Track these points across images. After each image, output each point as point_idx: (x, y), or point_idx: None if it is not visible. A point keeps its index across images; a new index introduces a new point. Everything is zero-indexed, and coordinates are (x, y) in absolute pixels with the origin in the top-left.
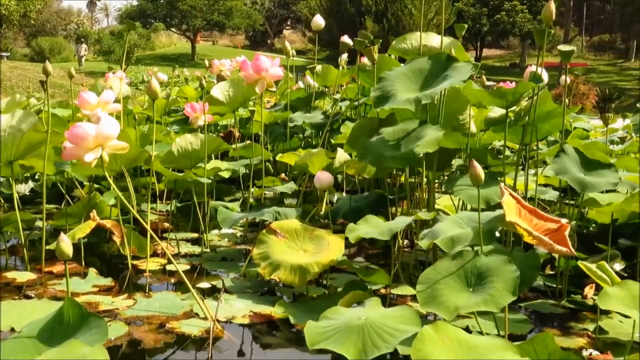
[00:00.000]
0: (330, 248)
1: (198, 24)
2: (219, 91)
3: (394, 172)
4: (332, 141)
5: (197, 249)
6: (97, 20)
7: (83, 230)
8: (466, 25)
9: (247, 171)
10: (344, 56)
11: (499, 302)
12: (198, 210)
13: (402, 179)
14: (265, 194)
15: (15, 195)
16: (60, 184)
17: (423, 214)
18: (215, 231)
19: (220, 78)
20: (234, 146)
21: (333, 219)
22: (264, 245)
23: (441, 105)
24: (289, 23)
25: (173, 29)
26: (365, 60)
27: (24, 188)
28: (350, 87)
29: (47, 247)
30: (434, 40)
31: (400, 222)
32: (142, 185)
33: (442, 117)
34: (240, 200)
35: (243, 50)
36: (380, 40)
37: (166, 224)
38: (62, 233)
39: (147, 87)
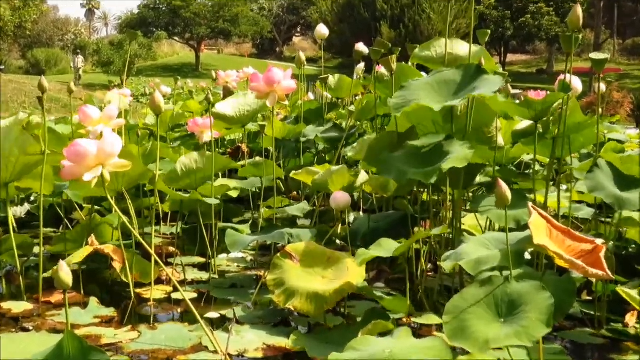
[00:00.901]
0: (349, 273)
1: (202, 32)
2: (227, 106)
3: (415, 190)
4: (347, 156)
5: (204, 275)
6: (95, 29)
7: (79, 255)
8: (489, 31)
9: (257, 190)
10: (361, 66)
11: (532, 334)
12: (205, 233)
13: (425, 196)
14: (276, 214)
15: (11, 219)
16: (58, 206)
17: (436, 230)
18: (224, 255)
19: (227, 91)
20: (242, 163)
21: (352, 241)
22: (278, 270)
23: (469, 117)
24: (298, 30)
25: (176, 38)
26: (382, 69)
27: (20, 210)
28: (366, 98)
29: (45, 275)
30: (460, 48)
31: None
32: (146, 206)
33: (469, 130)
34: (250, 222)
35: (250, 60)
36: (399, 49)
37: (171, 248)
38: (61, 261)
39: (150, 101)
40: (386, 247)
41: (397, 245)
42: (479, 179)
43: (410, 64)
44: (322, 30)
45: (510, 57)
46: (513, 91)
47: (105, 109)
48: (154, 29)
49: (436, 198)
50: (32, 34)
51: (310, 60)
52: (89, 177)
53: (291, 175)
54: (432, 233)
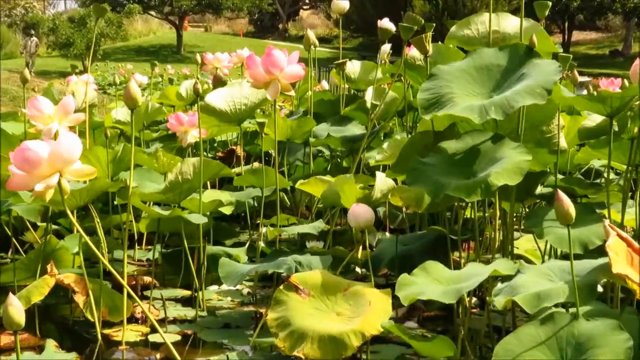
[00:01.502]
0: (372, 309)
1: (185, 6)
2: (219, 98)
3: (456, 204)
4: (371, 163)
5: (190, 312)
6: (51, 3)
7: (40, 291)
8: (550, 3)
9: (256, 204)
10: (386, 48)
11: None
12: (190, 259)
13: (468, 212)
14: (280, 235)
15: None
16: (6, 225)
17: (502, 266)
18: (214, 287)
19: (217, 79)
20: (237, 170)
21: (374, 269)
22: (281, 306)
23: (521, 113)
24: (307, 1)
25: (152, 13)
26: (413, 52)
27: None
28: (395, 87)
29: None
30: (509, 24)
31: (472, 274)
32: (116, 225)
33: (523, 129)
34: (247, 244)
35: (246, 40)
36: (434, 25)
37: (148, 278)
38: (10, 295)
39: (125, 93)
40: (436, 274)
41: (449, 273)
42: (538, 189)
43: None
44: (342, 3)
45: (577, 36)
46: (580, 78)
47: (60, 101)
48: (125, 1)
49: (482, 214)
50: None
51: (323, 40)
52: (40, 187)
53: (297, 185)
54: (502, 272)
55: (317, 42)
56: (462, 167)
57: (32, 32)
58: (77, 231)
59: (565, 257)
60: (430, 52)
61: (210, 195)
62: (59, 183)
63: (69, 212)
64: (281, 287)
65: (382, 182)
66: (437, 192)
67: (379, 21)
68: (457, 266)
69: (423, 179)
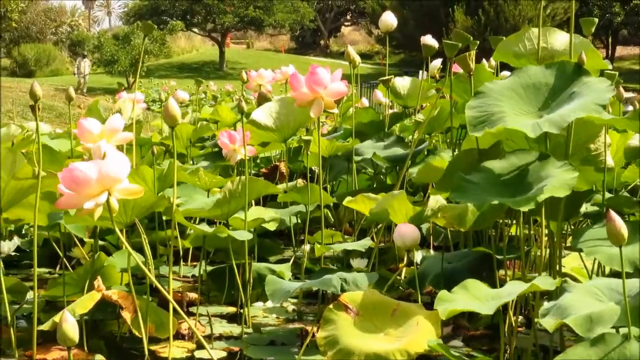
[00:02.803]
0: (419, 329)
1: (228, 22)
2: (265, 114)
3: (501, 221)
4: (413, 179)
5: (235, 329)
6: (96, 20)
7: (85, 304)
8: (596, 20)
9: (299, 221)
10: (436, 64)
11: None
12: (237, 275)
13: (513, 230)
14: (325, 252)
15: None
16: (54, 241)
17: (542, 281)
18: (260, 304)
19: (262, 96)
20: (281, 187)
21: (419, 287)
22: (331, 325)
23: (570, 131)
24: (348, 17)
25: (195, 30)
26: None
27: (8, 247)
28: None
29: (40, 328)
30: (557, 39)
31: (511, 291)
32: (161, 241)
33: (571, 147)
34: (291, 261)
35: (288, 56)
36: (477, 43)
37: (193, 295)
38: (65, 311)
39: (164, 111)
40: (474, 291)
41: (489, 291)
42: (584, 208)
43: (491, 62)
44: (389, 19)
45: (620, 51)
46: (625, 94)
47: (107, 120)
48: (168, 19)
49: (528, 232)
50: (19, 27)
51: (364, 56)
52: (90, 205)
53: (344, 202)
54: (542, 287)
55: (358, 59)
56: (506, 186)
57: (85, 53)
58: (125, 248)
59: (614, 274)
60: (473, 70)
61: (255, 212)
62: (107, 201)
63: (117, 230)
64: (331, 306)
65: (434, 200)
66: (480, 205)
67: (422, 38)
68: (503, 285)
69: (467, 197)
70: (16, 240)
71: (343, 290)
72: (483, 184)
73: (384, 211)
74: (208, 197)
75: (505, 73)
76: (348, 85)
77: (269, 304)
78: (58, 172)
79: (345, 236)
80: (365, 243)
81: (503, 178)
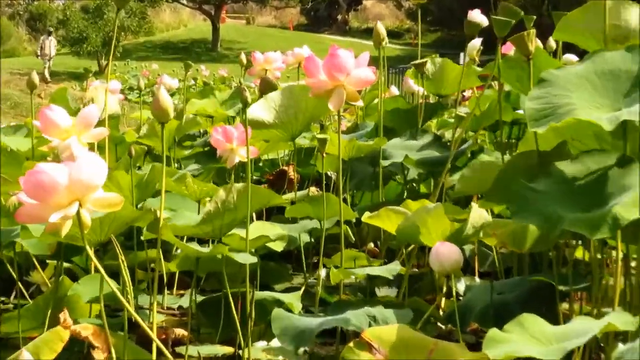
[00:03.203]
0: None
1: None
2: (266, 108)
3: (562, 242)
4: (455, 189)
5: None
6: None
7: (52, 346)
8: None
9: (312, 240)
10: (476, 44)
11: None
12: (234, 308)
13: (579, 253)
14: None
15: None
16: (9, 262)
17: (620, 319)
18: (262, 343)
19: (267, 84)
20: (289, 196)
21: (461, 323)
22: None
23: None
24: None
25: (183, 1)
26: (511, 51)
27: None
28: (487, 95)
29: None
30: (634, 15)
31: (581, 330)
32: (140, 264)
33: None
34: (302, 289)
35: (297, 34)
36: (534, 18)
37: (181, 331)
38: (24, 351)
39: (153, 103)
40: (532, 329)
41: (551, 329)
42: None
43: (552, 42)
44: None
45: None
46: None
47: (80, 112)
48: None
49: (598, 255)
50: None
51: (391, 35)
52: (56, 218)
53: (365, 218)
54: (618, 327)
55: (387, 39)
56: (580, 196)
57: (50, 29)
58: (96, 271)
59: None
60: (533, 53)
61: (257, 228)
62: (77, 214)
63: (89, 250)
64: (351, 344)
65: (477, 215)
66: (553, 226)
67: (469, 13)
68: (567, 321)
69: (532, 209)
70: None
71: (370, 326)
72: (551, 194)
73: (414, 229)
74: (199, 209)
75: (570, 57)
76: (376, 71)
77: (274, 342)
78: (16, 177)
79: (371, 259)
80: (393, 268)
81: (574, 185)
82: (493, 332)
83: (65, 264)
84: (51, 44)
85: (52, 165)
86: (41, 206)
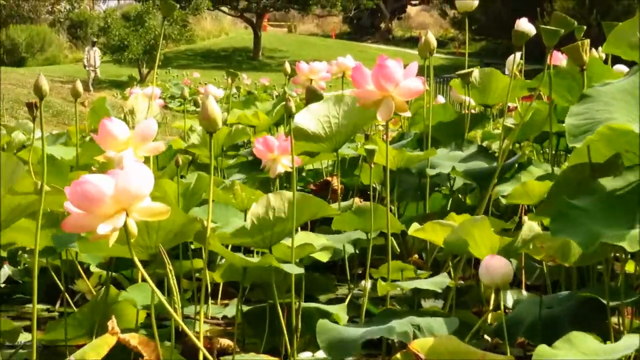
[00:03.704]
0: None
1: (265, 0)
2: (310, 117)
3: (612, 255)
4: (504, 200)
5: None
6: None
7: (97, 350)
8: None
9: (357, 251)
10: (516, 57)
11: None
12: (282, 318)
13: (630, 267)
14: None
15: None
16: (55, 270)
17: None
18: (307, 354)
19: (312, 94)
20: (333, 207)
21: (509, 337)
22: None
23: None
24: None
25: (224, 9)
26: (562, 61)
27: None
28: (535, 106)
29: None
30: None
31: (625, 346)
32: (186, 274)
33: None
34: (347, 300)
35: (339, 42)
36: (584, 28)
37: (226, 341)
38: (71, 359)
39: (202, 113)
40: (582, 347)
41: (601, 347)
42: None
43: (600, 53)
44: None
45: None
46: None
47: (138, 124)
48: None
49: None
50: (7, 4)
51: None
52: (105, 229)
53: (410, 232)
54: None
55: (435, 47)
56: (621, 211)
57: (94, 39)
58: (141, 281)
59: None
60: (587, 64)
61: (302, 238)
62: (124, 224)
63: (136, 260)
64: (398, 355)
65: (527, 228)
66: (590, 242)
67: (516, 22)
68: (619, 337)
69: (571, 227)
70: (7, 269)
71: (415, 338)
72: (592, 211)
73: (461, 242)
74: (245, 218)
75: (620, 67)
76: (425, 81)
77: (319, 354)
78: (61, 187)
79: (418, 271)
80: (442, 281)
81: (618, 201)
82: (542, 348)
83: (112, 273)
84: (95, 55)
85: (97, 175)
86: (87, 216)
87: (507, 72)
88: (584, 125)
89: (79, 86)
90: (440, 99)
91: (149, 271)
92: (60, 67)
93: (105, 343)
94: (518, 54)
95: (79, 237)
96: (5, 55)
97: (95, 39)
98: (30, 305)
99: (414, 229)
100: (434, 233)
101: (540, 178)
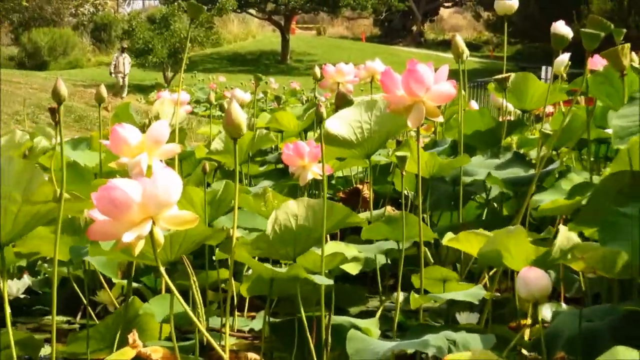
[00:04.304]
0: None
1: (294, 2)
2: (341, 123)
3: None
4: (538, 209)
5: None
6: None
7: None
8: None
9: (389, 261)
10: (564, 59)
11: None
12: (308, 333)
13: None
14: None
15: (6, 303)
16: (76, 280)
17: None
18: None
19: (342, 98)
20: (364, 215)
21: (548, 351)
22: None
23: None
24: None
25: (251, 11)
26: (599, 65)
27: (17, 287)
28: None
29: None
30: None
31: None
32: (211, 284)
33: None
34: (379, 313)
35: (370, 45)
36: (624, 31)
37: (253, 355)
38: None
39: (226, 118)
40: None
41: None
42: None
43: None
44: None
45: None
46: None
47: (149, 128)
48: None
49: None
50: (30, 6)
51: (469, 47)
52: (130, 237)
53: (444, 242)
54: None
55: (467, 51)
56: None
57: (124, 45)
58: (168, 291)
59: None
60: (627, 68)
61: (332, 248)
62: (150, 232)
63: (162, 269)
64: None
65: (565, 238)
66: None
67: (553, 25)
68: None
69: (621, 236)
70: (27, 280)
71: (449, 351)
72: None
73: (496, 253)
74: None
75: None
76: (456, 85)
77: None
78: (85, 194)
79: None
80: (477, 292)
81: None
82: None
83: (134, 284)
84: (125, 61)
85: (126, 181)
86: (113, 223)
87: (542, 77)
88: (630, 127)
89: (103, 91)
90: (474, 105)
91: (171, 281)
92: (83, 71)
93: (123, 356)
94: (566, 56)
95: (91, 244)
96: (28, 59)
97: (125, 45)
98: (51, 317)
99: (447, 239)
100: (469, 243)
101: (579, 186)
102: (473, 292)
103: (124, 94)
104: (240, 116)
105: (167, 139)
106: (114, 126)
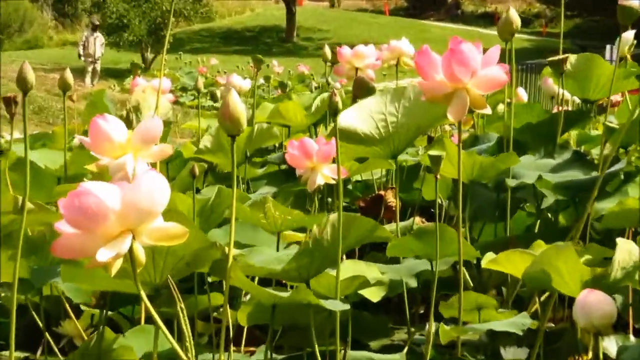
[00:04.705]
0: None
1: None
2: (359, 116)
3: None
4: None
5: None
6: None
7: None
8: None
9: (419, 285)
10: (629, 37)
11: None
12: None
13: None
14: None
15: None
16: (35, 309)
17: None
18: None
19: (362, 86)
20: (388, 228)
21: None
22: None
23: None
24: None
25: None
26: None
27: None
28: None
29: None
30: None
31: None
32: (201, 313)
33: None
34: (406, 349)
35: (394, 19)
36: None
37: None
38: None
39: (222, 111)
40: None
41: None
42: None
43: None
44: None
45: None
46: None
47: (139, 124)
48: None
49: None
50: None
51: None
52: (106, 256)
53: (484, 263)
54: None
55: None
56: None
57: (95, 21)
58: (148, 321)
59: None
60: None
61: (348, 269)
62: (130, 249)
63: (143, 295)
64: None
65: (626, 253)
66: None
67: None
68: None
69: None
70: None
71: None
72: None
73: (543, 274)
74: (278, 243)
75: None
76: (508, 70)
77: None
78: (53, 200)
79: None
80: (522, 321)
81: None
82: None
83: (109, 312)
84: (97, 42)
85: (101, 185)
86: (85, 237)
87: (607, 58)
88: None
89: (69, 76)
90: (521, 93)
91: (154, 309)
92: (43, 52)
93: None
94: (631, 33)
95: (64, 263)
96: None
97: (97, 22)
98: (7, 353)
99: (487, 260)
100: (511, 264)
101: None
102: (516, 322)
103: (95, 81)
104: (240, 109)
105: (159, 139)
106: (95, 118)
